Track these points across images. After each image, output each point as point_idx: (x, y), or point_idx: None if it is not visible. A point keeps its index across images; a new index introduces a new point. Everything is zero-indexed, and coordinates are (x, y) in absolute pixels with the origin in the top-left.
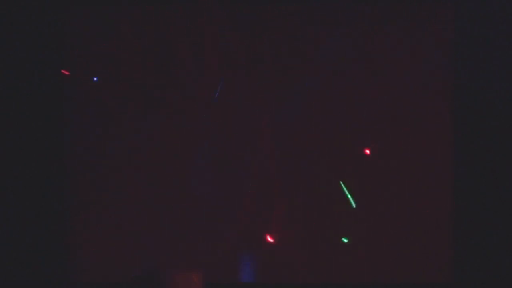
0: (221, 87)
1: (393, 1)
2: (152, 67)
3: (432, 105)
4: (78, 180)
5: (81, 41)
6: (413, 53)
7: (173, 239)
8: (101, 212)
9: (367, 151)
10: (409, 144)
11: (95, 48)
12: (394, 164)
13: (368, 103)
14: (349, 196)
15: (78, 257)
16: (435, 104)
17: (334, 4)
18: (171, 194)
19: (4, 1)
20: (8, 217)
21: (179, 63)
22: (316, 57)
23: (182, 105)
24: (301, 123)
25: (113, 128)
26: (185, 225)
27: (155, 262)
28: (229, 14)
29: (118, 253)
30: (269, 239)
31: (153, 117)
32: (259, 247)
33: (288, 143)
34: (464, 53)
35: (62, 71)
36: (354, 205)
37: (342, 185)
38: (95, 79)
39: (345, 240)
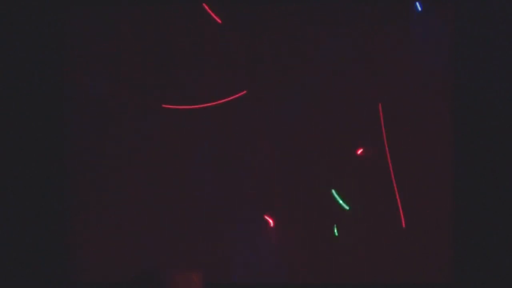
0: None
1: (393, 1)
2: (152, 67)
3: (432, 105)
4: (78, 180)
5: (81, 41)
6: (413, 53)
7: (173, 239)
8: (101, 212)
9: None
10: (409, 144)
11: (95, 48)
12: (394, 164)
13: (368, 103)
14: (340, 201)
15: (78, 257)
16: (435, 104)
17: (334, 4)
18: (171, 194)
19: (4, 1)
20: (8, 217)
21: (179, 63)
22: (316, 57)
23: (182, 105)
24: (301, 123)
25: (113, 128)
26: (185, 225)
27: (155, 262)
28: (229, 14)
29: (118, 253)
30: (269, 220)
31: (153, 117)
32: (259, 247)
33: (288, 143)
34: (464, 53)
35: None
36: (347, 208)
37: (334, 193)
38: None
39: (336, 232)
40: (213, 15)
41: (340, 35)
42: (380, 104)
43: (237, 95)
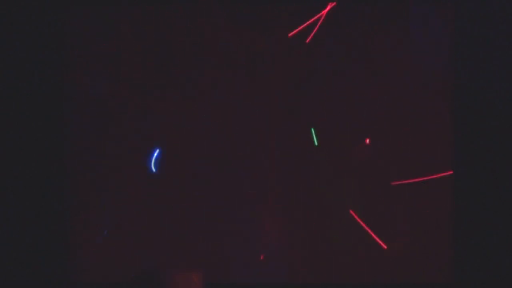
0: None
1: (393, 1)
2: (152, 67)
3: (432, 105)
4: (78, 180)
5: (81, 41)
6: (413, 53)
7: (173, 239)
8: (101, 212)
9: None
10: (409, 144)
11: (95, 48)
12: (394, 164)
13: (368, 103)
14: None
15: (78, 257)
16: (435, 104)
17: (334, 4)
18: (171, 194)
19: (4, 1)
20: (8, 217)
21: (179, 63)
22: (316, 57)
23: (182, 105)
24: (301, 123)
25: (113, 128)
26: (185, 225)
27: (155, 262)
28: (229, 14)
29: (118, 253)
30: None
31: (153, 117)
32: (259, 247)
33: (288, 143)
34: (464, 53)
35: None
36: (316, 143)
37: (313, 132)
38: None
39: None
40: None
41: (340, 35)
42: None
43: None
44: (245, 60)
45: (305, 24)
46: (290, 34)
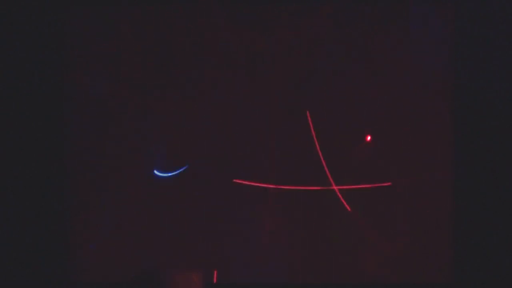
0: None
1: (393, 1)
2: (152, 67)
3: (432, 105)
4: (78, 180)
5: (81, 41)
6: (413, 53)
7: (173, 239)
8: (101, 212)
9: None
10: (409, 144)
11: (95, 48)
12: (394, 164)
13: (368, 103)
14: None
15: (78, 257)
16: (435, 104)
17: (334, 4)
18: (171, 194)
19: (4, 1)
20: (8, 217)
21: (179, 63)
22: (316, 57)
23: (182, 105)
24: (301, 123)
25: (113, 128)
26: (185, 225)
27: (155, 262)
28: (229, 14)
29: (118, 253)
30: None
31: (153, 117)
32: (259, 247)
33: (288, 143)
34: (464, 53)
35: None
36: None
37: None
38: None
39: None
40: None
41: (340, 35)
42: (308, 112)
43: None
44: (245, 60)
45: None
46: None
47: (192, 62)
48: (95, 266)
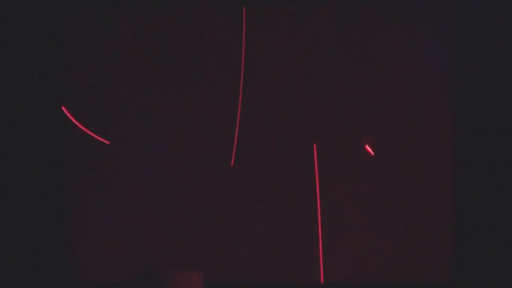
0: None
1: (393, 1)
2: (152, 67)
3: (432, 105)
4: (78, 180)
5: (81, 41)
6: (413, 53)
7: (173, 239)
8: (101, 212)
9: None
10: (409, 144)
11: (95, 48)
12: (394, 164)
13: (368, 103)
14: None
15: (78, 257)
16: (435, 104)
17: (334, 4)
18: (171, 194)
19: (4, 1)
20: (8, 217)
21: (179, 63)
22: (316, 57)
23: (182, 105)
24: (301, 123)
25: (113, 128)
26: (185, 225)
27: (155, 262)
28: (229, 14)
29: (118, 253)
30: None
31: (153, 117)
32: (259, 247)
33: (288, 143)
34: (464, 53)
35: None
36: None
37: None
38: None
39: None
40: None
41: (340, 35)
42: (315, 144)
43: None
44: (245, 60)
45: None
46: None
47: (192, 62)
48: (95, 266)
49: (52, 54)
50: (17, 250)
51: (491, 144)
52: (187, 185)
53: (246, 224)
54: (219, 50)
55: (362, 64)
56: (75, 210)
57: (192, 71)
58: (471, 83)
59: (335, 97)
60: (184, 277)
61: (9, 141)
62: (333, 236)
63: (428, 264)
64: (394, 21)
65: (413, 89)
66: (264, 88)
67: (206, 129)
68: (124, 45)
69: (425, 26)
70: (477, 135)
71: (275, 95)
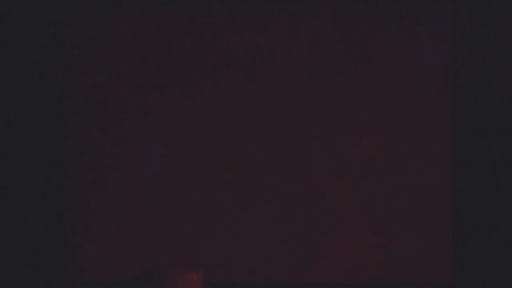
0: None
1: (393, 1)
2: (152, 67)
3: (432, 105)
4: (78, 180)
5: (81, 41)
6: (413, 53)
7: (173, 239)
8: (101, 212)
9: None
10: (409, 144)
11: (95, 48)
12: (393, 164)
13: (368, 103)
14: None
15: (78, 257)
16: (435, 104)
17: (334, 4)
18: (171, 194)
19: (4, 1)
20: (8, 217)
21: (179, 63)
22: (316, 57)
23: (182, 105)
24: (301, 123)
25: (113, 128)
26: (185, 225)
27: (155, 262)
28: (229, 14)
29: (118, 253)
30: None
31: (153, 117)
32: (259, 247)
33: (287, 143)
34: (464, 53)
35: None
36: None
37: None
38: None
39: None
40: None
41: (340, 35)
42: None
43: None
44: (245, 60)
45: None
46: None
47: (192, 62)
48: (95, 266)
49: (52, 54)
50: (17, 250)
51: (491, 144)
52: (187, 185)
53: (246, 224)
54: (219, 50)
55: (362, 64)
56: (75, 210)
57: (192, 71)
58: (471, 83)
59: (335, 97)
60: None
61: (8, 141)
62: (333, 236)
63: (428, 264)
64: (394, 21)
65: (413, 89)
66: (263, 88)
67: (206, 129)
68: (124, 45)
69: (425, 26)
70: (477, 135)
71: (275, 95)
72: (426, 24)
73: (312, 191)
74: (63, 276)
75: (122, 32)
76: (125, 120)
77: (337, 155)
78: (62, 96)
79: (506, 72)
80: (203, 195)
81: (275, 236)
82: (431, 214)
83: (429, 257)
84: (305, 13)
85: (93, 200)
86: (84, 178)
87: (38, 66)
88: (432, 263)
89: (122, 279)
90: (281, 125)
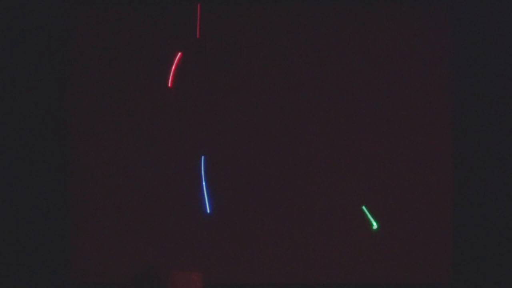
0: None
1: (393, 1)
2: (150, 67)
3: (432, 105)
4: (78, 180)
5: (81, 41)
6: (413, 53)
7: (173, 239)
8: (101, 212)
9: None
10: (409, 144)
11: (95, 48)
12: (394, 164)
13: (367, 103)
14: (371, 219)
15: (78, 257)
16: (435, 104)
17: (334, 4)
18: (172, 194)
19: (4, 1)
20: (8, 217)
21: (179, 63)
22: (316, 57)
23: (182, 105)
24: (301, 123)
25: (113, 128)
26: (185, 225)
27: (155, 262)
28: (229, 14)
29: (118, 253)
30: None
31: (153, 117)
32: (259, 247)
33: (288, 143)
34: (464, 53)
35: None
36: (376, 226)
37: (365, 210)
38: None
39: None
40: (198, 25)
41: (341, 35)
42: None
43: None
44: (246, 60)
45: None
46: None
47: (192, 62)
48: (95, 266)
49: (53, 54)
50: (17, 250)
51: (491, 144)
52: (187, 185)
53: (246, 224)
54: (219, 50)
55: (362, 64)
56: (75, 210)
57: (192, 71)
58: (471, 83)
59: (335, 96)
60: (184, 277)
61: (9, 141)
62: (333, 236)
63: (428, 264)
64: (394, 21)
65: (413, 89)
66: (263, 88)
67: (205, 129)
68: (123, 45)
69: (425, 26)
70: (477, 135)
71: (275, 95)
72: (426, 24)
73: (312, 191)
74: (63, 276)
75: (122, 32)
76: (125, 120)
77: (337, 154)
78: (62, 96)
79: (506, 72)
80: (203, 195)
81: (275, 236)
82: (431, 214)
83: (429, 257)
84: (305, 13)
85: (93, 200)
86: (84, 178)
87: (38, 66)
88: (432, 263)
89: (122, 279)
90: (280, 125)
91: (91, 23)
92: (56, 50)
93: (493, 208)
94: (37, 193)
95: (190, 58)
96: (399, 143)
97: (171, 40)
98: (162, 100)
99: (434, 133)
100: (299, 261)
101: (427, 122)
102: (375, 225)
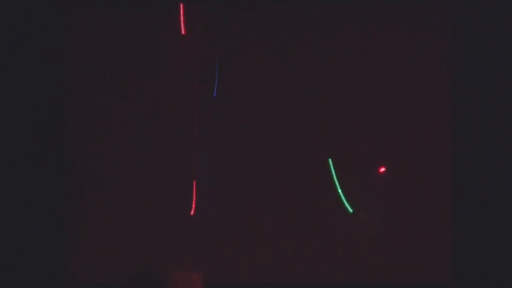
0: (217, 86)
1: (393, 1)
2: (150, 67)
3: (432, 105)
4: (78, 180)
5: (81, 41)
6: (413, 53)
7: (173, 239)
8: (101, 212)
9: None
10: (409, 145)
11: (95, 48)
12: (394, 164)
13: (367, 103)
14: (346, 204)
15: (78, 257)
16: (435, 104)
17: (334, 4)
18: (171, 194)
19: (4, 1)
20: (8, 217)
21: (178, 63)
22: (316, 57)
23: (181, 104)
24: (301, 123)
25: (113, 128)
26: (185, 225)
27: (155, 262)
28: (229, 14)
29: (118, 253)
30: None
31: (153, 117)
32: (259, 247)
33: (287, 143)
34: (464, 53)
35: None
36: (351, 210)
37: (331, 164)
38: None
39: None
40: (182, 23)
41: (341, 35)
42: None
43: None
44: (245, 60)
45: None
46: None
47: (192, 62)
48: (95, 266)
49: (53, 54)
50: (17, 250)
51: (491, 144)
52: (187, 186)
53: (246, 224)
54: (220, 51)
55: (362, 64)
56: (75, 210)
57: (193, 71)
58: (471, 83)
59: (335, 96)
60: (184, 277)
61: (9, 141)
62: (333, 236)
63: (428, 264)
64: (394, 21)
65: (413, 89)
66: (263, 88)
67: (205, 129)
68: (123, 45)
69: (425, 26)
70: (477, 135)
71: (274, 95)
72: (426, 24)
73: (312, 191)
74: (63, 276)
75: (122, 32)
76: (125, 120)
77: (337, 154)
78: (62, 96)
79: (506, 72)
80: (203, 195)
81: (275, 236)
82: (431, 214)
83: (429, 257)
84: (304, 13)
85: (93, 200)
86: (84, 178)
87: (38, 66)
88: (432, 263)
89: (122, 279)
90: (279, 126)
91: (91, 23)
92: (56, 50)
93: (493, 208)
94: (37, 193)
95: (189, 58)
96: (399, 143)
97: (171, 40)
98: (162, 101)
99: (434, 133)
100: (299, 261)
101: (427, 122)
102: (350, 210)
